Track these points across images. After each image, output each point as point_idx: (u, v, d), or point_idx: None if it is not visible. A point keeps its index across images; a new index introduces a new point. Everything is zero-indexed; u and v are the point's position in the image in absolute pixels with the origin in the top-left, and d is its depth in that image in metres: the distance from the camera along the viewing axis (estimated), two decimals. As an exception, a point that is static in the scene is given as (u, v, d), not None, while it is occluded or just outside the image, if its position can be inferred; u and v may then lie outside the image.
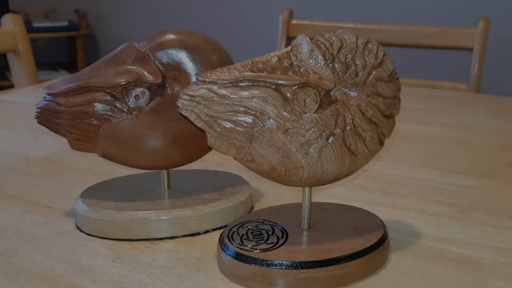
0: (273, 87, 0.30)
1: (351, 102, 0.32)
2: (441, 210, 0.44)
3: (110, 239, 0.38)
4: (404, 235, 0.40)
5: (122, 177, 0.44)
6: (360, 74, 0.31)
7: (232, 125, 0.30)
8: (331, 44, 0.31)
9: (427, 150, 0.58)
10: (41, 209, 0.43)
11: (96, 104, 0.36)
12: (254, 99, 0.30)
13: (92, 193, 0.41)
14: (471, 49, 1.00)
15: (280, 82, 0.30)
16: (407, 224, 0.41)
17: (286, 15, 1.11)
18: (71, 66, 2.28)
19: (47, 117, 0.37)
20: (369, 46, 0.32)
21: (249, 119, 0.30)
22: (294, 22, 1.11)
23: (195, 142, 0.39)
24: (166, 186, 0.41)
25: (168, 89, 0.37)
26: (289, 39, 1.13)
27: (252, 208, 0.43)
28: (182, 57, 0.37)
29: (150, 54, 0.37)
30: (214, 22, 2.08)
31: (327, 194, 0.46)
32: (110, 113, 0.36)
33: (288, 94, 0.30)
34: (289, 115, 0.30)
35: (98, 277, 0.34)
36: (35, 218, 0.42)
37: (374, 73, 0.32)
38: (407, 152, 0.58)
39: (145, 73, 0.36)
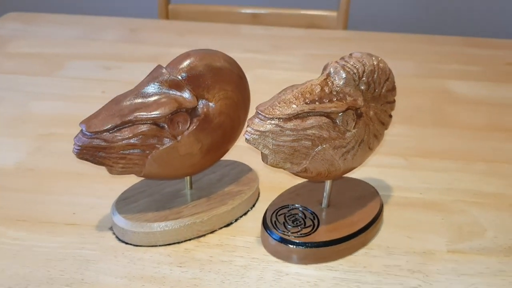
0: (326, 115, 0.37)
1: (370, 112, 0.40)
2: (393, 162, 0.56)
3: (159, 245, 0.43)
4: (380, 190, 0.51)
5: (139, 184, 0.47)
6: (377, 89, 0.39)
7: (296, 150, 0.37)
8: (357, 70, 0.38)
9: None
10: (67, 229, 0.44)
11: (143, 136, 0.38)
12: (313, 128, 0.36)
13: (125, 206, 0.44)
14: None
15: (331, 110, 0.36)
16: (376, 179, 0.53)
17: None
18: None
19: (91, 153, 0.38)
20: (381, 65, 0.39)
21: (308, 143, 0.37)
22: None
23: (222, 150, 0.44)
24: (189, 187, 0.46)
25: (199, 109, 0.41)
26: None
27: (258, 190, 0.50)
28: (209, 78, 0.40)
29: (182, 80, 0.39)
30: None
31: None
32: (156, 141, 0.39)
33: (337, 120, 0.37)
34: (337, 135, 0.37)
35: (178, 285, 0.39)
36: (70, 240, 0.43)
37: (385, 87, 0.40)
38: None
39: (183, 100, 0.39)
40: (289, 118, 0.36)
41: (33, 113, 0.63)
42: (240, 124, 0.44)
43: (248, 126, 0.36)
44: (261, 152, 0.38)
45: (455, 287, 0.40)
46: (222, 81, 0.41)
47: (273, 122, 0.35)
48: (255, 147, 0.36)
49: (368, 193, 0.47)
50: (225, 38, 0.90)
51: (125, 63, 0.78)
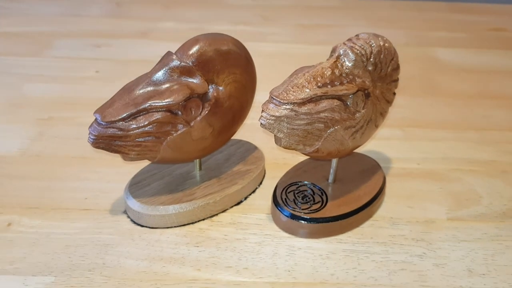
0: (338, 97, 0.38)
1: (377, 92, 0.41)
2: (390, 133, 0.58)
3: (174, 227, 0.44)
4: (380, 162, 0.53)
5: (149, 167, 0.48)
6: (383, 69, 0.41)
7: (309, 133, 0.38)
8: (365, 51, 0.39)
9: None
10: (81, 214, 0.45)
11: (158, 123, 0.39)
12: (326, 111, 0.37)
13: (138, 190, 0.45)
14: None
15: (342, 93, 0.37)
16: (375, 152, 0.55)
17: None
18: None
19: (107, 142, 0.38)
20: (386, 45, 0.40)
21: (321, 126, 0.38)
22: None
23: (231, 132, 0.45)
24: (198, 168, 0.47)
25: (210, 94, 0.41)
26: None
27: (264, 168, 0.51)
28: (219, 63, 0.41)
29: (192, 66, 0.40)
30: None
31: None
32: (170, 128, 0.40)
33: (348, 102, 0.38)
34: (347, 116, 0.39)
35: (197, 264, 0.41)
36: (86, 226, 0.44)
37: (390, 66, 0.41)
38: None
39: (195, 86, 0.40)
40: (303, 103, 0.37)
41: (28, 96, 0.62)
42: (248, 105, 0.45)
43: (263, 111, 0.37)
44: (275, 135, 0.39)
45: (457, 253, 0.43)
46: (231, 65, 0.42)
47: (288, 107, 0.36)
48: (270, 131, 0.37)
49: (370, 167, 0.49)
50: (212, 10, 0.89)
51: (115, 39, 0.77)
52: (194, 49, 0.40)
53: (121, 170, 0.50)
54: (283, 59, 0.74)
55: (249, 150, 0.50)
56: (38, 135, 0.55)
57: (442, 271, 0.41)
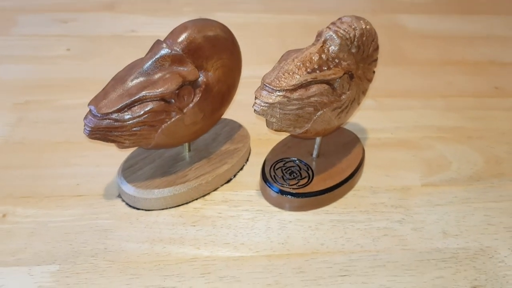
0: (326, 82, 0.40)
1: (359, 72, 0.43)
2: (364, 104, 0.61)
3: (169, 208, 0.46)
4: (357, 133, 0.56)
5: (138, 150, 0.48)
6: (365, 51, 0.43)
7: (300, 116, 0.40)
8: (349, 35, 0.41)
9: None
10: (75, 201, 0.46)
11: (153, 113, 0.40)
12: (316, 95, 0.39)
13: (132, 174, 0.46)
14: None
15: (330, 77, 0.39)
16: (351, 123, 0.58)
17: None
18: None
19: (103, 133, 0.39)
20: (368, 27, 0.42)
21: (311, 109, 0.40)
22: None
23: (220, 113, 0.46)
24: (187, 150, 0.48)
25: (200, 80, 0.42)
26: None
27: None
28: (208, 49, 0.42)
29: (183, 53, 0.40)
30: None
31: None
32: (165, 116, 0.40)
33: (336, 85, 0.40)
34: (334, 98, 0.41)
35: (196, 243, 0.43)
36: (82, 212, 0.45)
37: (371, 47, 0.43)
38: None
39: (187, 73, 0.40)
40: (294, 89, 0.39)
41: (0, 79, 0.60)
42: (234, 87, 0.46)
43: (256, 98, 0.39)
44: (267, 120, 0.40)
45: (432, 217, 0.47)
46: (219, 50, 0.42)
47: (280, 93, 0.38)
48: (263, 117, 0.39)
49: (350, 139, 0.52)
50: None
51: (80, 13, 0.74)
52: (183, 36, 0.41)
53: (108, 153, 0.51)
54: (254, 30, 0.74)
55: (234, 128, 0.52)
56: (18, 120, 0.55)
57: (420, 234, 0.45)
